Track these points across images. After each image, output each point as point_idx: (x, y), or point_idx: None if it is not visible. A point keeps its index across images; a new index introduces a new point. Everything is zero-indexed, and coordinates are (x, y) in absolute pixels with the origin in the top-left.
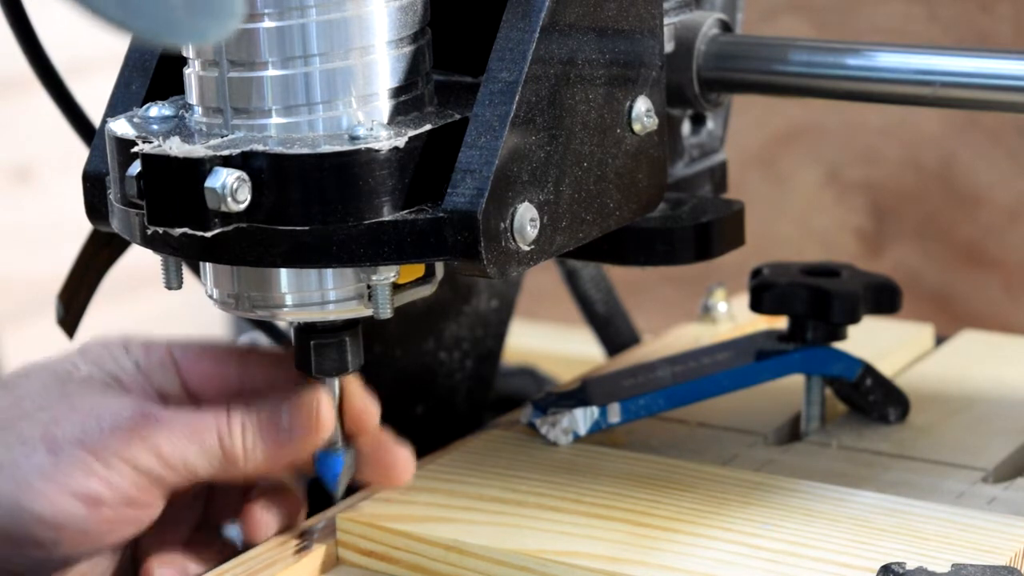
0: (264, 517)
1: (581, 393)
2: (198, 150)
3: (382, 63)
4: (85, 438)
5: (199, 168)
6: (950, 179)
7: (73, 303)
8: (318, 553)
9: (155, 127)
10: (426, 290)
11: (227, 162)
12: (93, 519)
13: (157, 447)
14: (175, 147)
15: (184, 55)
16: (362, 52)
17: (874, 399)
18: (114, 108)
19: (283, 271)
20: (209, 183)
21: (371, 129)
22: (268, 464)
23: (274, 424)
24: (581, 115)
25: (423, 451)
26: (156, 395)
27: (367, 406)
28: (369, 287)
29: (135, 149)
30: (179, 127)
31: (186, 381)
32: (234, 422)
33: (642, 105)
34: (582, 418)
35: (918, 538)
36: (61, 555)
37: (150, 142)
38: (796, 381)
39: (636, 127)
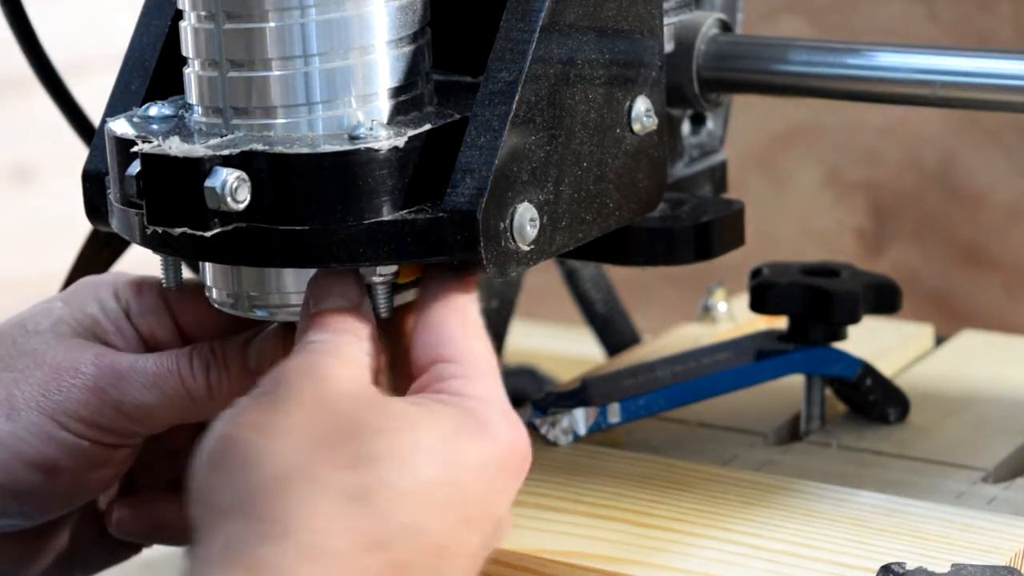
0: None
1: (581, 393)
2: (198, 150)
3: (382, 63)
4: (44, 401)
5: (199, 168)
6: (950, 179)
7: None
8: None
9: (155, 127)
10: None
11: (227, 162)
12: (54, 487)
13: (117, 402)
14: (175, 147)
15: (184, 54)
16: (362, 52)
17: (874, 399)
18: (114, 108)
19: (283, 271)
20: (209, 183)
21: (371, 129)
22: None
23: (240, 360)
24: (581, 115)
25: None
26: (139, 340)
27: None
28: (369, 287)
29: (135, 149)
30: (179, 127)
31: (181, 325)
32: (197, 362)
33: (642, 105)
34: (582, 418)
35: (918, 538)
36: (29, 522)
37: (150, 142)
38: (796, 381)
39: (636, 127)
